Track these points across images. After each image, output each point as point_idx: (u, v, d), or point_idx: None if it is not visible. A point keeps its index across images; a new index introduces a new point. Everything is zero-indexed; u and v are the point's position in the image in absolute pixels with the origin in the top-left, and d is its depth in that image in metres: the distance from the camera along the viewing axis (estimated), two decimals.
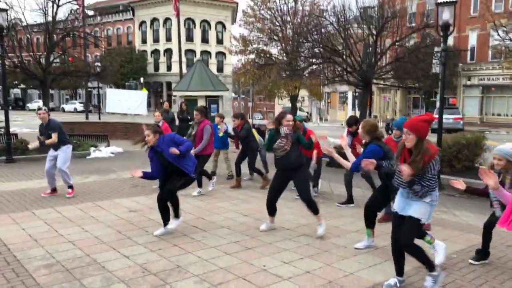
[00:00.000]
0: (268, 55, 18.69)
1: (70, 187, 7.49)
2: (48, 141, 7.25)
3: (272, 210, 5.79)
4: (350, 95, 47.83)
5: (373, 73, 12.06)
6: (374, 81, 12.98)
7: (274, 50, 19.17)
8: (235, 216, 6.53)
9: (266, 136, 6.34)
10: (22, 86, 51.70)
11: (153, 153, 5.43)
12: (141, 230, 5.73)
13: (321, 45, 13.02)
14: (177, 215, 5.61)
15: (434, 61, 9.84)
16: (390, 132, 13.90)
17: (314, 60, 16.36)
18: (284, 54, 18.11)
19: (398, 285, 4.00)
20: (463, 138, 9.35)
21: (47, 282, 4.03)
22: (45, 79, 13.33)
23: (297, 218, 6.45)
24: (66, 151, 7.40)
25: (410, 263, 4.16)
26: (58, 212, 6.55)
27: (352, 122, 7.04)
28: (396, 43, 12.76)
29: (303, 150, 5.76)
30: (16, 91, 58.40)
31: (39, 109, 7.37)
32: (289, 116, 5.61)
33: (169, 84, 53.42)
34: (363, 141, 5.40)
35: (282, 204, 6.61)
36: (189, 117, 13.27)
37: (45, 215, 6.37)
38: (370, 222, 5.13)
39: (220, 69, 53.49)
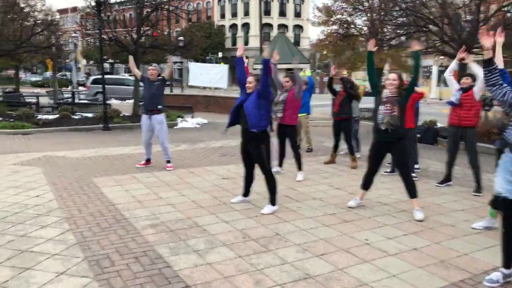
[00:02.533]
0: (352, 26, 17.84)
1: (169, 161, 7.45)
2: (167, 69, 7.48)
3: (368, 183, 5.43)
4: (434, 70, 44.67)
5: (474, 42, 11.00)
6: (474, 51, 11.87)
7: (358, 21, 18.26)
8: (327, 189, 6.37)
9: None
10: (110, 61, 54.96)
11: (239, 100, 5.15)
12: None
13: (414, 13, 12.08)
14: (273, 202, 5.20)
15: None
16: (487, 108, 12.71)
17: (400, 31, 15.39)
18: (370, 25, 17.17)
19: (501, 280, 3.41)
20: None
21: (155, 241, 4.19)
22: (136, 51, 13.91)
23: (394, 193, 6.14)
24: (163, 122, 7.31)
25: None
26: (155, 176, 6.84)
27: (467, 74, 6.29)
28: (503, 9, 11.48)
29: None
30: (105, 66, 62.33)
31: (150, 65, 7.48)
32: (392, 75, 5.01)
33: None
34: None
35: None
36: None
37: (144, 178, 6.68)
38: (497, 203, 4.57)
39: (296, 42, 52.58)
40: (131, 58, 7.88)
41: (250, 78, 5.10)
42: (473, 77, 6.34)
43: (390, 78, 4.98)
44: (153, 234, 4.38)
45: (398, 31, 16.07)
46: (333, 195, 6.02)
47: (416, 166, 7.38)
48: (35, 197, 5.58)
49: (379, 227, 4.75)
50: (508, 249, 3.41)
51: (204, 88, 29.91)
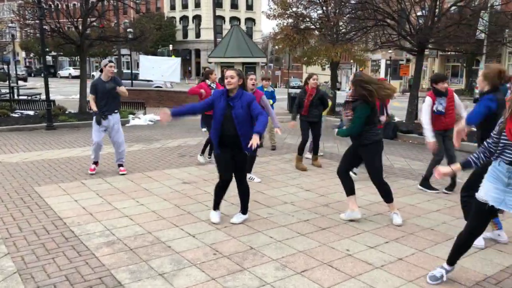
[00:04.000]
0: (307, 19, 17.66)
1: (121, 164, 6.75)
2: (121, 90, 6.42)
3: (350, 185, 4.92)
4: (383, 64, 45.89)
5: (430, 37, 11.07)
6: (430, 46, 12.01)
7: (314, 14, 18.12)
8: (296, 191, 6.01)
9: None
10: (53, 53, 51.98)
11: (222, 104, 4.34)
12: (200, 204, 5.28)
13: (372, 7, 11.96)
14: (244, 211, 4.75)
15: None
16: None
17: (357, 24, 15.33)
18: (325, 18, 17.04)
19: (444, 278, 3.36)
20: None
21: (112, 264, 3.62)
22: (82, 44, 12.89)
23: (365, 194, 5.88)
24: (119, 121, 6.63)
25: None
26: (108, 183, 6.18)
27: (441, 77, 5.84)
28: (458, 4, 11.63)
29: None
30: (47, 59, 58.87)
31: (110, 61, 6.50)
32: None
33: (197, 52, 52.69)
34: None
35: None
36: None
37: (95, 186, 6.00)
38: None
39: (249, 36, 52.22)
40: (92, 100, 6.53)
41: (231, 73, 4.36)
42: None
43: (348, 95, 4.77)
44: (109, 254, 3.80)
45: (353, 25, 15.99)
46: (304, 198, 5.67)
47: None
48: None
49: (358, 234, 4.44)
50: (461, 248, 3.35)
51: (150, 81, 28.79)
